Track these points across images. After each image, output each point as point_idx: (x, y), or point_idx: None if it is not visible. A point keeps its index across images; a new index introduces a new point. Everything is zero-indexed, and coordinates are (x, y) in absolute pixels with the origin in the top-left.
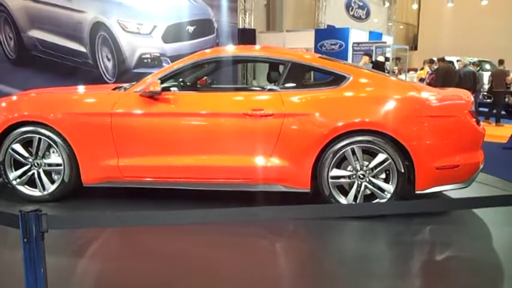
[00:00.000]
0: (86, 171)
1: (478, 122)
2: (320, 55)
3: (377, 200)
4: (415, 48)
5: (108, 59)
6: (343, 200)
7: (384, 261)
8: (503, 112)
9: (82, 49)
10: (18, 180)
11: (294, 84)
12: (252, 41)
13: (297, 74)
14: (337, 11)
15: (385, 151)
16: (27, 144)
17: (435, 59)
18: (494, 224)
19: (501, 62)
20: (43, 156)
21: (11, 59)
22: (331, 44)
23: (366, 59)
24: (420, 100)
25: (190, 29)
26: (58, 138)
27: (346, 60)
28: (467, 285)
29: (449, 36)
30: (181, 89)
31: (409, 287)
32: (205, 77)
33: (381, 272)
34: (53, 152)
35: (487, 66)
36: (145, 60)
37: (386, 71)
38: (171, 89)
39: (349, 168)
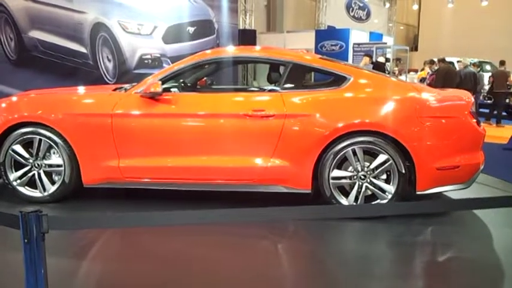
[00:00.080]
0: (87, 172)
1: (478, 123)
2: (320, 56)
3: (378, 201)
4: (416, 49)
5: (109, 60)
6: (344, 201)
7: (384, 262)
8: (504, 113)
9: (82, 50)
10: (18, 181)
11: (294, 85)
12: (253, 42)
13: (298, 75)
14: (337, 11)
15: (386, 152)
16: (27, 145)
17: (435, 59)
18: (494, 225)
19: (502, 62)
20: (43, 157)
21: (11, 60)
22: (332, 45)
23: (366, 59)
24: (421, 101)
25: (191, 29)
26: (59, 139)
27: (347, 61)
28: (468, 286)
29: (449, 37)
30: (182, 90)
31: None
32: (205, 78)
33: (381, 272)
34: (54, 153)
35: (488, 67)
36: (145, 61)
37: (386, 72)
38: (172, 90)
39: (350, 169)
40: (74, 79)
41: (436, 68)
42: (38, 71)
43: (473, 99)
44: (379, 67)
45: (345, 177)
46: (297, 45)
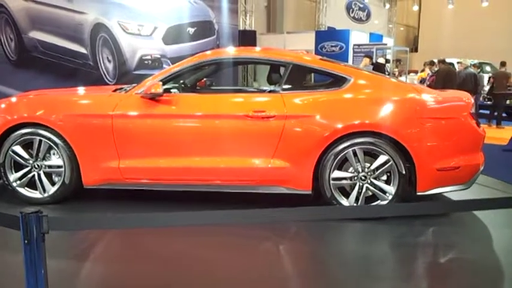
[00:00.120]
0: (87, 173)
1: (478, 124)
2: (321, 57)
3: (378, 202)
4: (416, 50)
5: (109, 61)
6: (344, 202)
7: (385, 263)
8: (503, 114)
9: (83, 50)
10: (18, 182)
11: (295, 86)
12: (253, 43)
13: (298, 76)
14: (337, 12)
15: (387, 153)
16: (27, 146)
17: (435, 61)
18: (494, 226)
19: (503, 64)
20: (43, 158)
21: (11, 60)
22: (332, 46)
23: (366, 60)
24: (421, 102)
25: (191, 30)
26: (59, 140)
27: (347, 62)
28: (468, 287)
29: (449, 38)
30: (182, 91)
31: None
32: (204, 79)
33: (382, 273)
34: (54, 154)
35: (488, 68)
36: (146, 62)
37: (386, 73)
38: (172, 90)
39: (351, 169)
40: (74, 80)
41: (436, 69)
42: (38, 72)
43: (473, 101)
44: (379, 68)
45: (345, 178)
46: (297, 46)
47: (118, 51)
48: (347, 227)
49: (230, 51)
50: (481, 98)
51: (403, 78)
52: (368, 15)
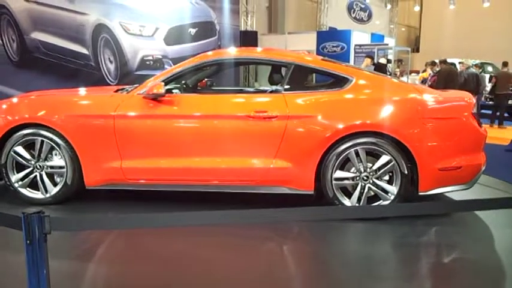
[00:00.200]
0: (89, 173)
1: (479, 124)
2: (322, 57)
3: (380, 202)
4: (417, 50)
5: (111, 61)
6: (346, 202)
7: (387, 263)
8: (505, 114)
9: (84, 51)
10: (20, 182)
11: (297, 86)
12: (254, 43)
13: (300, 76)
14: (339, 13)
15: (389, 153)
16: (29, 146)
17: (437, 61)
18: (496, 226)
19: (505, 64)
20: (45, 159)
21: (13, 61)
22: (333, 46)
23: (367, 61)
24: (422, 102)
25: (193, 31)
26: (60, 141)
27: (348, 62)
28: (470, 287)
29: (451, 38)
30: (184, 92)
31: None
32: (205, 79)
33: (384, 273)
34: (56, 155)
35: (489, 68)
36: (147, 62)
37: (388, 73)
38: (173, 91)
39: (353, 170)
40: (76, 80)
41: (437, 69)
42: (39, 73)
43: (474, 101)
44: (380, 68)
45: (347, 178)
46: (299, 46)
47: (120, 52)
48: (349, 227)
49: (231, 51)
50: (482, 98)
51: (404, 79)
52: (369, 16)
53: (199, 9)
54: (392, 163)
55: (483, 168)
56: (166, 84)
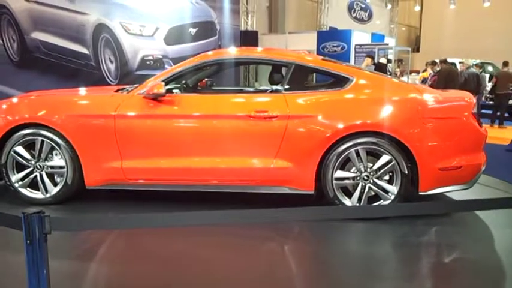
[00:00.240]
0: (89, 173)
1: (480, 124)
2: (323, 57)
3: (381, 202)
4: (418, 50)
5: (111, 61)
6: (347, 202)
7: (387, 263)
8: (506, 114)
9: (85, 51)
10: (20, 182)
11: (297, 86)
12: (254, 43)
13: (301, 76)
14: (339, 13)
15: (389, 152)
16: (29, 146)
17: (437, 60)
18: (496, 226)
19: (505, 63)
20: (45, 159)
21: (14, 61)
22: (333, 46)
23: (368, 60)
24: (423, 102)
25: (193, 31)
26: (61, 141)
27: (349, 62)
28: (470, 287)
29: (451, 38)
30: (184, 91)
31: None
32: (205, 79)
33: (384, 273)
34: (56, 154)
35: (490, 68)
36: (147, 62)
37: (388, 73)
38: (174, 91)
39: (353, 169)
40: (76, 80)
41: (437, 69)
42: (40, 72)
43: (475, 100)
44: (381, 68)
45: (348, 178)
46: (299, 46)
47: (120, 52)
48: (349, 227)
49: (232, 51)
50: (483, 98)
51: (405, 78)
52: (370, 16)
53: (199, 9)
54: (392, 163)
55: (483, 168)
56: (166, 84)
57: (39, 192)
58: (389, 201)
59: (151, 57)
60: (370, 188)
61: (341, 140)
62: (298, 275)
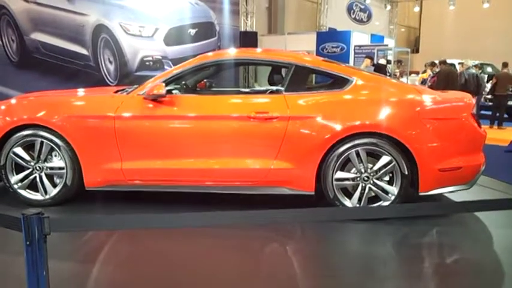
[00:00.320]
0: (89, 174)
1: (479, 125)
2: (322, 58)
3: (381, 202)
4: (417, 51)
5: (110, 62)
6: (347, 202)
7: (387, 263)
8: (505, 115)
9: (84, 52)
10: (19, 184)
11: (297, 87)
12: (254, 44)
13: (301, 77)
14: (338, 13)
15: (389, 153)
16: (28, 147)
17: (437, 61)
18: (495, 226)
19: (505, 64)
20: (45, 160)
21: (13, 62)
22: (333, 47)
23: (367, 61)
24: (422, 102)
25: (192, 31)
26: (60, 142)
27: (348, 63)
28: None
29: (451, 39)
30: (184, 92)
31: None
32: (204, 80)
33: (385, 273)
34: (55, 156)
35: (489, 69)
36: (147, 63)
37: (387, 74)
38: (173, 92)
39: (353, 170)
40: (76, 81)
41: (437, 70)
42: (39, 73)
43: (474, 101)
44: (380, 69)
45: (348, 179)
46: (298, 47)
47: (119, 53)
48: (349, 228)
49: (231, 52)
50: (482, 99)
51: (404, 79)
52: (369, 16)
53: (199, 9)
54: (392, 164)
55: (482, 168)
56: (166, 85)
57: (39, 194)
58: (390, 201)
59: (150, 58)
60: (370, 189)
61: (341, 141)
62: (299, 275)
